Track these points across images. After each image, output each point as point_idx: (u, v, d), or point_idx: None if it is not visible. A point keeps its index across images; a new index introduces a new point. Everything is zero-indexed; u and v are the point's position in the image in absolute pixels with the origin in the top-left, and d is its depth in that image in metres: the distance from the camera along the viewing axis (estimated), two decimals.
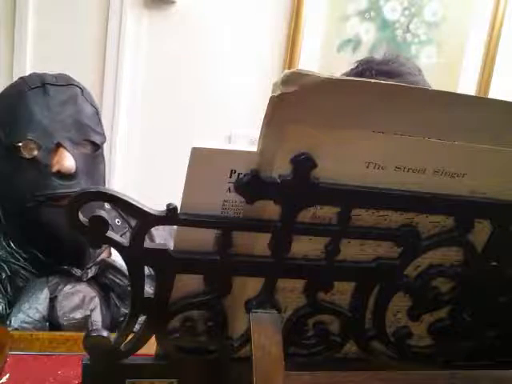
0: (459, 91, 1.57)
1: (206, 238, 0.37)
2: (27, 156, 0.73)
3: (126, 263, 0.37)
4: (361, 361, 0.45)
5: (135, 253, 0.36)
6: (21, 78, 0.79)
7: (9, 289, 0.74)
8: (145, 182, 1.53)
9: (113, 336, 0.39)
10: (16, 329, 0.69)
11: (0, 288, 0.74)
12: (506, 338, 0.46)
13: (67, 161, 0.73)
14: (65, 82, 0.78)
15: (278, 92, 0.31)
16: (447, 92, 0.33)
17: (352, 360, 0.45)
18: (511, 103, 0.34)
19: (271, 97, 0.31)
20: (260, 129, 0.33)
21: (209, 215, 0.36)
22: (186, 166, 0.34)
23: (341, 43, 1.65)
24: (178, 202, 0.36)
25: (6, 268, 0.75)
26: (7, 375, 0.52)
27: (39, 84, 0.76)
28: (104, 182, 0.83)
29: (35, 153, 0.73)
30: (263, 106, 0.32)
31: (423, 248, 0.40)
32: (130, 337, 0.40)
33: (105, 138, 0.81)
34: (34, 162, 0.73)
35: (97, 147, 0.79)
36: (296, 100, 0.31)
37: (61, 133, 0.74)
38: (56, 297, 0.73)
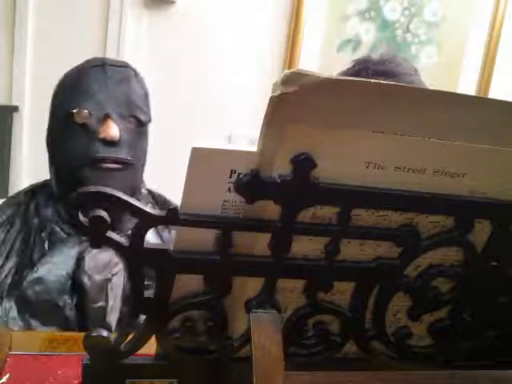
0: (459, 91, 1.57)
1: (206, 238, 0.37)
2: (79, 121, 0.82)
3: (126, 263, 0.37)
4: (361, 361, 0.45)
5: (135, 253, 0.36)
6: (91, 58, 0.89)
7: (46, 244, 0.83)
8: (145, 181, 1.53)
9: (113, 336, 0.39)
10: (40, 277, 0.76)
11: (39, 241, 0.83)
12: (506, 338, 0.46)
13: (112, 130, 0.82)
14: (122, 64, 0.88)
15: (278, 92, 0.31)
16: (447, 92, 0.33)
17: (352, 360, 0.45)
18: (511, 103, 0.34)
19: (271, 97, 0.31)
20: (260, 129, 0.33)
21: (209, 215, 0.36)
22: (186, 165, 0.34)
23: (341, 43, 1.65)
24: (178, 202, 0.36)
25: (47, 227, 0.84)
26: (7, 375, 0.52)
27: (99, 64, 0.85)
28: (145, 157, 0.91)
29: (86, 120, 0.82)
30: (263, 106, 0.32)
31: (423, 248, 0.40)
32: (130, 337, 0.40)
33: (150, 117, 0.89)
34: (84, 127, 0.82)
35: (142, 124, 0.87)
36: (296, 100, 0.31)
37: (112, 106, 0.83)
38: (83, 257, 0.79)
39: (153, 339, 0.40)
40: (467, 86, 1.68)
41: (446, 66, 1.67)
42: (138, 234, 0.36)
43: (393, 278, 0.41)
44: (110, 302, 0.77)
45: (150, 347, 0.41)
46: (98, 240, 0.36)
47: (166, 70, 1.59)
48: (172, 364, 0.42)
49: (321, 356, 0.43)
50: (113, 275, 0.79)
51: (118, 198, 0.35)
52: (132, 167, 0.84)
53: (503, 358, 0.46)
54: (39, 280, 0.76)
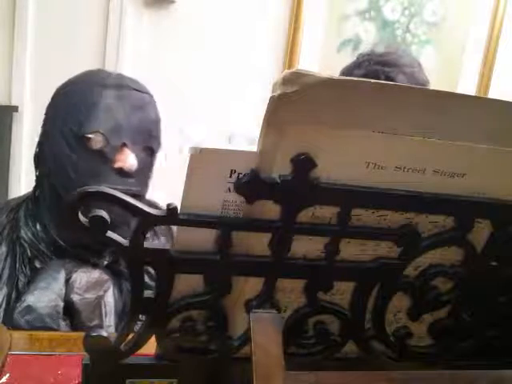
0: (459, 91, 1.57)
1: (206, 238, 0.37)
2: (94, 148, 0.76)
3: (126, 263, 0.37)
4: (361, 361, 0.45)
5: (135, 253, 0.36)
6: (99, 72, 0.82)
7: (28, 269, 0.78)
8: None
9: (113, 336, 0.39)
10: (29, 305, 0.72)
11: (22, 267, 0.78)
12: (506, 338, 0.46)
13: (130, 160, 0.77)
14: (139, 88, 0.82)
15: (278, 92, 0.31)
16: (447, 92, 0.33)
17: (352, 360, 0.45)
18: (511, 103, 0.34)
19: (271, 97, 0.31)
20: (260, 129, 0.33)
21: (209, 215, 0.36)
22: (186, 165, 0.34)
23: (341, 43, 1.65)
24: (178, 202, 0.36)
25: (28, 250, 0.79)
26: (7, 375, 0.52)
27: (115, 84, 0.79)
28: (148, 186, 0.86)
29: (102, 146, 0.76)
30: (263, 106, 0.32)
31: (423, 248, 0.40)
32: (130, 337, 0.40)
33: (161, 145, 0.85)
34: (99, 154, 0.76)
35: (153, 153, 0.83)
36: (296, 100, 0.31)
37: (128, 133, 0.78)
38: (71, 277, 0.76)
39: (153, 339, 0.40)
40: (467, 86, 1.68)
41: (446, 65, 1.67)
42: (138, 234, 0.36)
43: (393, 278, 0.41)
44: (105, 320, 0.75)
45: (150, 347, 0.41)
46: (99, 240, 0.36)
47: (165, 69, 1.59)
48: (172, 364, 0.42)
49: (321, 356, 0.43)
50: (104, 292, 0.76)
51: (119, 198, 0.35)
52: (139, 200, 0.79)
53: (503, 357, 0.46)
54: (29, 308, 0.72)
